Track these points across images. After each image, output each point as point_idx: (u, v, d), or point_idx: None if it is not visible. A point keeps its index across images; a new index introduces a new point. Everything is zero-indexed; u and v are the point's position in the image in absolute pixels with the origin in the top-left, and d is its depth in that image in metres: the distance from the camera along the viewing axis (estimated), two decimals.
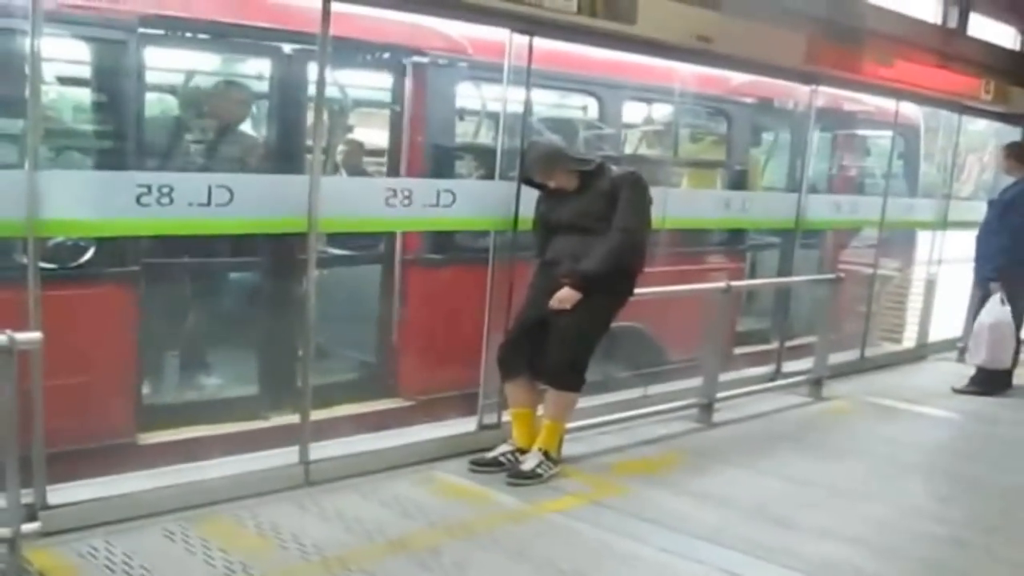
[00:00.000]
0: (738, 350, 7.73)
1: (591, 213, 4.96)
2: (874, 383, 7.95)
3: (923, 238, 9.15)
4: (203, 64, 5.62)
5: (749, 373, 7.33)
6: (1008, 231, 7.50)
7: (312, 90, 4.76)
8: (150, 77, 5.16)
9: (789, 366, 7.55)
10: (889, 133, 8.41)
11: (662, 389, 6.51)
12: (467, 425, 5.51)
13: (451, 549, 4.08)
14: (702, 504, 4.86)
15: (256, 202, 4.44)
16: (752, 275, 8.31)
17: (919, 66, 7.82)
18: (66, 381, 4.17)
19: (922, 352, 9.17)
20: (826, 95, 7.59)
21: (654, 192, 5.17)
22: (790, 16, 6.61)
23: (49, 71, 4.61)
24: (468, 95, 6.25)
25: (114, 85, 4.80)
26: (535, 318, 5.06)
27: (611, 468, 5.32)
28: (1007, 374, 7.77)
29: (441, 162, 5.95)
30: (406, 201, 4.93)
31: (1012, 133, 9.31)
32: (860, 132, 9.31)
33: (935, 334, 9.20)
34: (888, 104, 8.23)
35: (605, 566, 4.08)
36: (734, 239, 7.80)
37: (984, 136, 11.13)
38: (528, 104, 5.43)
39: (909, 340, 9.34)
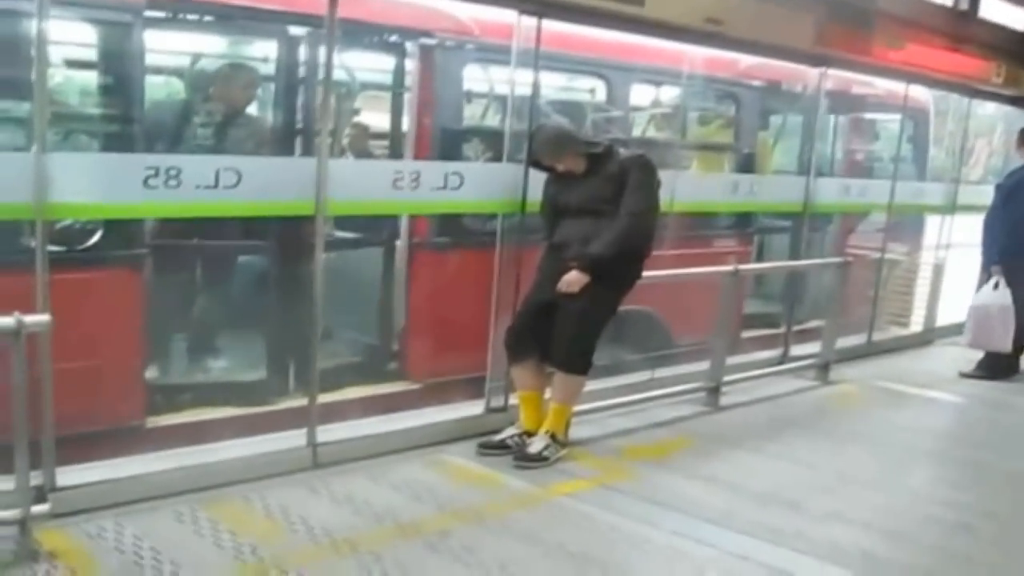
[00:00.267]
0: (745, 333, 7.72)
1: (599, 196, 4.94)
2: (881, 367, 7.94)
3: (931, 222, 9.12)
4: (211, 47, 5.60)
5: (756, 357, 7.32)
6: (1010, 216, 7.49)
7: (320, 73, 4.74)
8: (157, 59, 5.13)
9: (796, 350, 7.54)
10: (898, 116, 8.35)
11: (669, 372, 6.51)
12: (475, 408, 5.51)
13: (460, 532, 4.09)
14: (711, 487, 4.86)
15: (264, 185, 4.42)
16: (760, 259, 8.29)
17: (929, 49, 7.76)
18: (74, 364, 4.17)
19: (929, 336, 9.15)
20: (836, 78, 7.55)
21: (662, 175, 5.14)
22: None
23: (56, 54, 4.59)
24: (476, 77, 6.21)
25: (121, 67, 4.77)
26: (543, 301, 5.05)
27: (620, 451, 5.32)
28: (1014, 359, 7.76)
29: (448, 145, 5.92)
30: (414, 184, 4.91)
31: (1021, 117, 9.25)
32: (869, 115, 9.27)
33: (943, 319, 9.18)
34: (898, 87, 8.18)
35: (616, 550, 4.08)
36: (742, 222, 7.77)
37: (993, 120, 11.09)
38: (536, 86, 5.39)
39: (916, 324, 9.32)
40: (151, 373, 5.22)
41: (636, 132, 7.39)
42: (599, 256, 4.89)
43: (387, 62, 6.14)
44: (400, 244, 5.99)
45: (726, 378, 6.41)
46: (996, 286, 7.50)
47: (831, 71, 7.36)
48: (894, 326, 9.29)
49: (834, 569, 4.04)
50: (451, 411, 5.48)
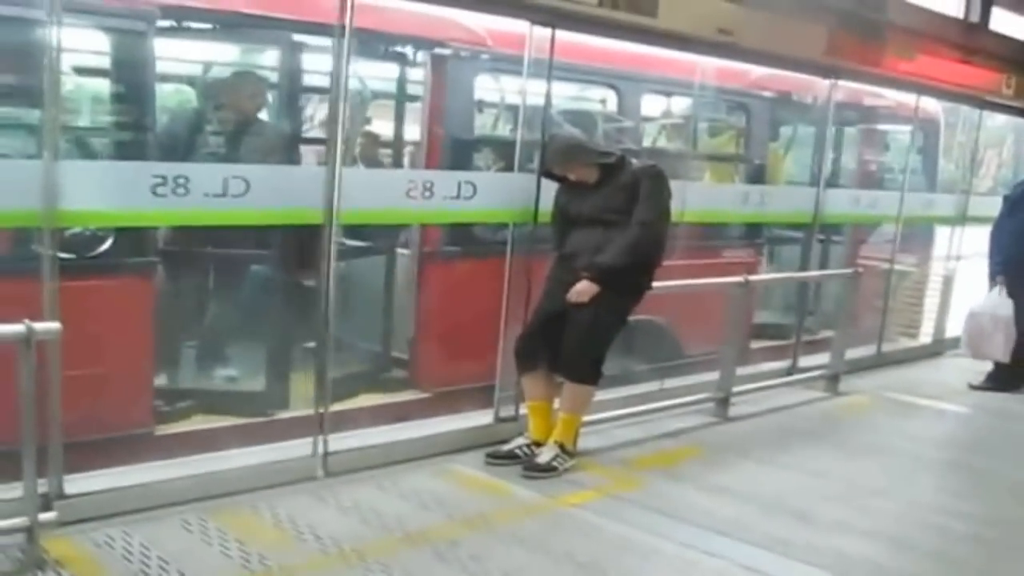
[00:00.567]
0: (755, 344, 7.70)
1: (611, 206, 4.93)
2: (891, 379, 7.91)
3: (941, 234, 9.10)
4: (223, 55, 5.61)
5: (765, 368, 7.30)
6: (1016, 226, 7.47)
7: (333, 81, 4.74)
8: (169, 68, 5.14)
9: (806, 361, 7.52)
10: (908, 128, 8.34)
11: (679, 383, 6.49)
12: (484, 418, 5.50)
13: (469, 542, 4.07)
14: (721, 498, 4.84)
15: (273, 193, 4.41)
16: (770, 270, 8.27)
17: (940, 60, 7.76)
18: (83, 372, 4.17)
19: (939, 348, 9.12)
20: (846, 89, 7.54)
21: (673, 186, 5.13)
22: (811, 9, 6.57)
23: (68, 61, 4.60)
24: (488, 87, 6.21)
25: (133, 76, 4.78)
26: (553, 311, 5.04)
27: (629, 462, 5.31)
28: (1022, 369, 7.72)
29: (460, 154, 5.91)
30: (427, 193, 4.91)
31: None
32: (880, 127, 9.25)
33: (952, 330, 9.13)
34: (908, 98, 8.17)
35: (625, 561, 4.06)
36: (752, 233, 7.76)
37: (1002, 131, 11.07)
38: (549, 96, 5.39)
39: (926, 336, 9.30)
40: (160, 381, 5.21)
41: (647, 142, 7.39)
42: (609, 266, 4.88)
43: (400, 72, 6.14)
44: (411, 253, 5.98)
45: (735, 389, 6.39)
46: (998, 295, 7.49)
47: (841, 82, 7.35)
48: (904, 337, 9.27)
49: None
50: (460, 420, 5.47)
